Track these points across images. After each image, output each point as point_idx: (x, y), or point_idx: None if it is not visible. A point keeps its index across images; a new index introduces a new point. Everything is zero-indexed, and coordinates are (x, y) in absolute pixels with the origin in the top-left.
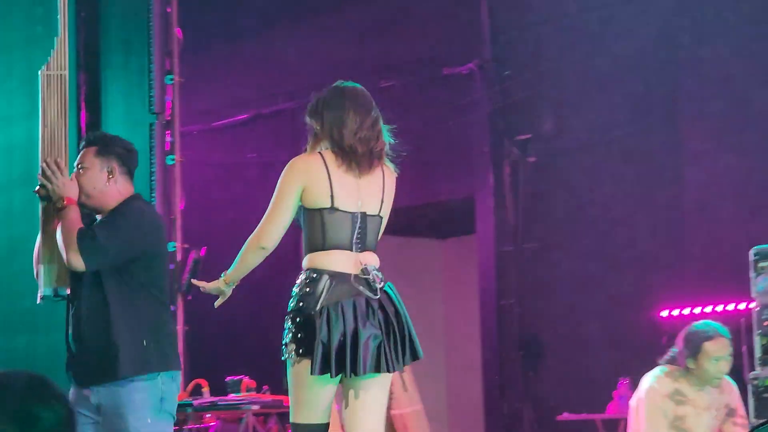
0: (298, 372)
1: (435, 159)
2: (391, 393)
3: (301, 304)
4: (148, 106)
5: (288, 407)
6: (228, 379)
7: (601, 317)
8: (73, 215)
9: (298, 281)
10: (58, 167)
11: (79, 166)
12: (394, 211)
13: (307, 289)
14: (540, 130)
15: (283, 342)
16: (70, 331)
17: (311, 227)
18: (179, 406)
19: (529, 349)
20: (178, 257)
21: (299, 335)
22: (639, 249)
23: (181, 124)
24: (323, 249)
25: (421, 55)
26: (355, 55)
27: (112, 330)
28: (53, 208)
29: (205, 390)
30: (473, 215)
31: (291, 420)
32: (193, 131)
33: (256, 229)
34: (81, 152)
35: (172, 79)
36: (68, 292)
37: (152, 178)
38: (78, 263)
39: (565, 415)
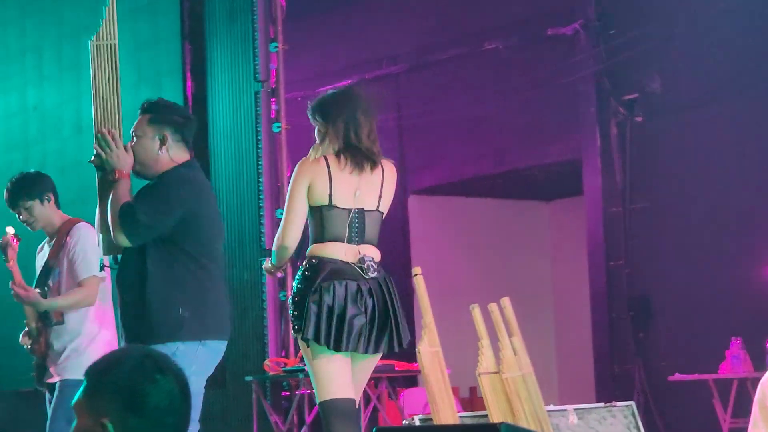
0: (305, 350)
1: (541, 121)
2: (501, 357)
3: (300, 286)
4: (253, 74)
5: (398, 371)
6: None
7: (712, 276)
8: (122, 190)
9: (300, 267)
10: (113, 138)
11: (133, 134)
12: (502, 175)
13: (307, 273)
14: (647, 89)
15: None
16: (119, 297)
17: (313, 222)
18: (292, 371)
19: (638, 310)
20: None
21: (296, 313)
22: (749, 208)
23: (285, 91)
24: (322, 241)
25: (525, 16)
26: (458, 18)
27: (148, 297)
28: (109, 178)
29: None
30: (580, 177)
31: (317, 401)
32: (296, 98)
33: (278, 230)
34: (137, 120)
35: (276, 47)
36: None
37: (258, 145)
38: (123, 240)
39: (677, 376)
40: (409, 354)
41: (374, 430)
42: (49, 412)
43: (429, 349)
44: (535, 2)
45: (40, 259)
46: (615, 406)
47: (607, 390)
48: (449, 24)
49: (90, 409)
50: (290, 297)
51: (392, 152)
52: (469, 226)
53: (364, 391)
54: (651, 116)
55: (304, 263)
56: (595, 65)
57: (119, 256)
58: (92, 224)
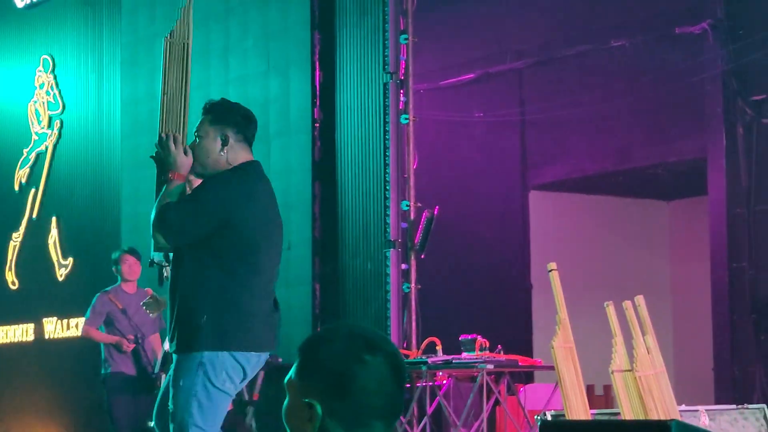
0: None
1: (666, 119)
2: (634, 355)
3: None
4: (383, 65)
5: (522, 366)
6: (462, 337)
7: None
8: (170, 191)
9: None
10: (174, 141)
11: (196, 135)
12: (624, 172)
13: None
14: None
15: None
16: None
17: None
18: (414, 363)
19: (761, 312)
20: (412, 216)
21: None
22: None
23: (412, 84)
24: None
25: (653, 14)
26: (585, 15)
27: (177, 299)
28: (163, 177)
29: (439, 348)
30: (704, 176)
31: None
32: (420, 90)
33: None
34: (200, 121)
35: (406, 39)
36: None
37: (386, 137)
38: (161, 241)
39: None
40: (528, 349)
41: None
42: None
43: (563, 345)
44: (663, 0)
45: None
46: (747, 408)
47: (727, 392)
48: (576, 20)
49: (299, 389)
50: None
51: (514, 147)
52: (590, 222)
53: (486, 385)
54: None
55: None
56: (722, 65)
57: (171, 255)
58: None
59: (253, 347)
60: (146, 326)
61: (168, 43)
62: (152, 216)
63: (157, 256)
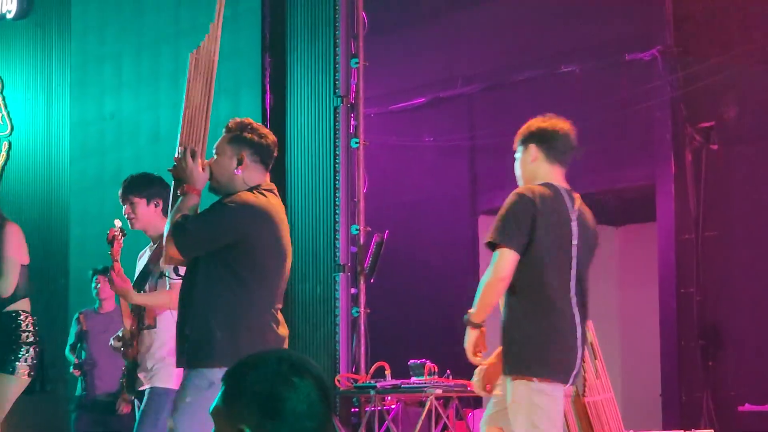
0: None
1: (615, 145)
2: (584, 380)
3: None
4: (333, 89)
5: (471, 390)
6: (411, 362)
7: None
8: (184, 204)
9: None
10: (192, 155)
11: (214, 152)
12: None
13: None
14: (723, 117)
15: None
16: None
17: None
18: (362, 388)
19: (709, 338)
20: (361, 240)
21: None
22: None
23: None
24: None
25: (603, 41)
26: (535, 40)
27: (189, 312)
28: (179, 191)
29: (388, 373)
30: (653, 202)
31: None
32: (371, 114)
33: None
34: (220, 138)
35: (357, 63)
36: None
37: (336, 160)
38: (173, 251)
39: (747, 406)
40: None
41: None
42: (137, 418)
43: None
44: (613, 27)
45: (141, 263)
46: None
47: (674, 418)
48: (526, 45)
49: (228, 416)
50: None
51: (464, 172)
52: None
53: (435, 409)
54: (726, 144)
55: None
56: (671, 92)
57: (178, 268)
58: None
59: None
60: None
61: (194, 58)
62: (166, 228)
63: (167, 268)
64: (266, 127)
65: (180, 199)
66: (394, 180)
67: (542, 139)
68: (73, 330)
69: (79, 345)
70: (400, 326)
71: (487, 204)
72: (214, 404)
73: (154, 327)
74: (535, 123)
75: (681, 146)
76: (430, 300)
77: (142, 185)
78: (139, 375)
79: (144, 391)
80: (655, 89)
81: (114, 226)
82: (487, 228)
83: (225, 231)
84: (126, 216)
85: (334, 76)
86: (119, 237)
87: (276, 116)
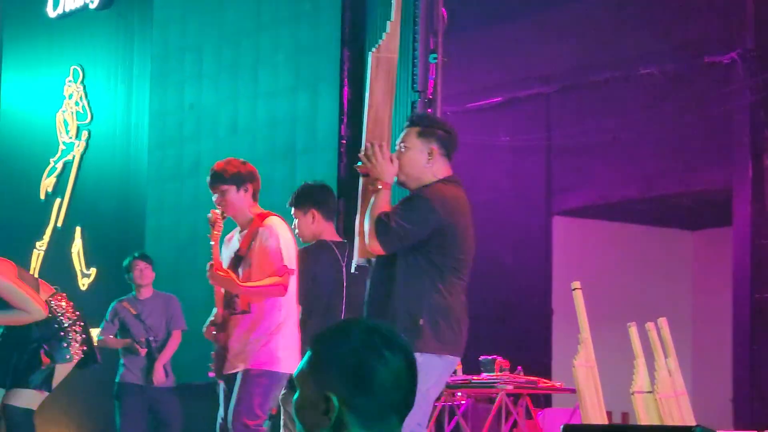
0: None
1: (693, 148)
2: (656, 377)
3: None
4: (411, 84)
5: (541, 388)
6: (482, 358)
7: None
8: (381, 199)
9: None
10: (381, 150)
11: (401, 146)
12: (649, 200)
13: None
14: None
15: None
16: (365, 298)
17: None
18: None
19: None
20: None
21: None
22: None
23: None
24: None
25: (682, 43)
26: (614, 41)
27: (391, 304)
28: (370, 186)
29: (459, 368)
30: (730, 206)
31: None
32: (446, 112)
33: None
34: (404, 132)
35: (435, 58)
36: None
37: None
38: (376, 247)
39: None
40: (547, 374)
41: (563, 428)
42: (227, 401)
43: (585, 364)
44: (693, 29)
45: (229, 249)
46: None
47: (747, 427)
48: (605, 46)
49: (315, 383)
50: None
51: (539, 172)
52: (613, 250)
53: (505, 406)
54: None
55: None
56: (750, 95)
57: (372, 260)
58: (286, 219)
59: (458, 352)
60: (161, 329)
61: (375, 57)
62: (366, 224)
63: (362, 261)
64: (344, 121)
65: (375, 195)
66: (469, 178)
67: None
68: (108, 316)
69: (118, 331)
70: (472, 323)
71: (562, 205)
72: (299, 368)
73: (249, 312)
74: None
75: (759, 150)
76: (503, 298)
77: (230, 172)
78: (230, 358)
79: (231, 374)
80: (734, 92)
81: (216, 208)
82: (561, 228)
83: (429, 224)
84: (216, 204)
85: (413, 71)
86: (220, 220)
87: (354, 110)
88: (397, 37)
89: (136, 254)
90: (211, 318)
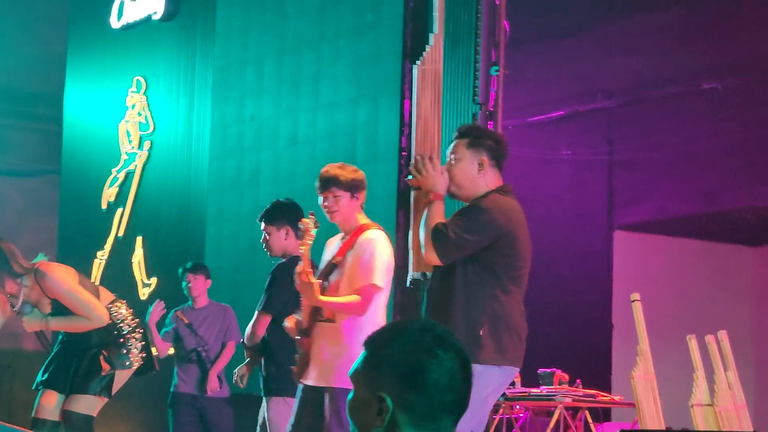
0: None
1: (754, 163)
2: (715, 390)
3: None
4: (472, 96)
5: (599, 402)
6: (540, 371)
7: None
8: (435, 211)
9: None
10: (431, 162)
11: (451, 157)
12: (710, 216)
13: None
14: None
15: None
16: (422, 310)
17: None
18: None
19: None
20: None
21: None
22: None
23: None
24: None
25: (745, 58)
26: (677, 56)
27: (452, 316)
28: (423, 199)
29: (517, 381)
30: None
31: None
32: (508, 126)
33: None
34: (453, 143)
35: (497, 71)
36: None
37: None
38: (433, 258)
39: None
40: (606, 388)
41: None
42: (303, 408)
43: (643, 377)
44: (755, 44)
45: (328, 252)
46: None
47: None
48: (667, 61)
49: (368, 382)
50: None
51: (601, 186)
52: (673, 265)
53: (563, 419)
54: None
55: None
56: None
57: (428, 274)
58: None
59: (518, 362)
60: (214, 340)
61: (420, 70)
62: (422, 236)
63: (417, 275)
64: (405, 133)
65: (428, 207)
66: (530, 192)
67: None
68: (167, 327)
69: (172, 340)
70: (531, 335)
71: (624, 219)
72: (354, 367)
73: (333, 322)
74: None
75: None
76: (562, 311)
77: (346, 178)
78: (311, 367)
79: (308, 385)
80: None
81: (307, 216)
82: (622, 243)
83: (488, 233)
84: (326, 208)
85: (474, 83)
86: (311, 229)
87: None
88: (441, 49)
89: (188, 266)
90: (297, 317)
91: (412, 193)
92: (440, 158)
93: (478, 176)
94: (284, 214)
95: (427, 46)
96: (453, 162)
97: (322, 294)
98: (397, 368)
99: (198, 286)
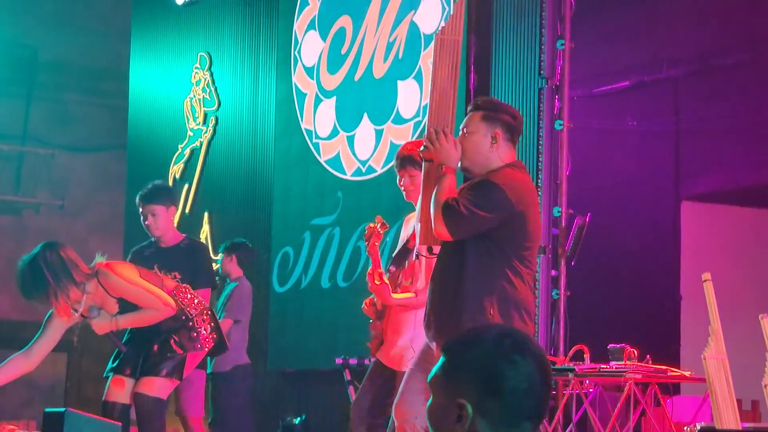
0: None
1: None
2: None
3: None
4: (538, 70)
5: (670, 377)
6: (610, 346)
7: None
8: (446, 184)
9: None
10: (445, 135)
11: (464, 130)
12: None
13: None
14: None
15: None
16: (431, 285)
17: None
18: (561, 370)
19: None
20: (563, 223)
21: None
22: None
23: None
24: None
25: None
26: (744, 23)
27: (460, 292)
28: (434, 172)
29: (587, 356)
30: None
31: None
32: (573, 96)
33: None
34: (467, 116)
35: (563, 44)
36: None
37: (539, 142)
38: (443, 232)
39: None
40: (676, 360)
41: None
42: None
43: (715, 356)
44: None
45: (404, 233)
46: None
47: None
48: (734, 29)
49: (447, 388)
50: None
51: (668, 157)
52: (743, 236)
53: (633, 395)
54: None
55: None
56: None
57: (432, 248)
58: None
59: None
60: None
61: (439, 40)
62: (432, 209)
63: (424, 249)
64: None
65: (439, 180)
66: (596, 163)
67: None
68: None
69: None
70: (600, 310)
71: (691, 189)
72: (432, 373)
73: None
74: None
75: None
76: (630, 285)
77: (417, 160)
78: (386, 345)
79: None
80: None
81: (374, 222)
82: (691, 214)
83: (500, 209)
84: (401, 186)
85: (539, 57)
86: (379, 231)
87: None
88: (461, 19)
89: (227, 243)
90: (374, 297)
91: (424, 165)
92: (454, 131)
93: (491, 150)
94: (170, 194)
95: (448, 15)
96: (466, 135)
97: (398, 280)
98: (475, 374)
99: (232, 268)
